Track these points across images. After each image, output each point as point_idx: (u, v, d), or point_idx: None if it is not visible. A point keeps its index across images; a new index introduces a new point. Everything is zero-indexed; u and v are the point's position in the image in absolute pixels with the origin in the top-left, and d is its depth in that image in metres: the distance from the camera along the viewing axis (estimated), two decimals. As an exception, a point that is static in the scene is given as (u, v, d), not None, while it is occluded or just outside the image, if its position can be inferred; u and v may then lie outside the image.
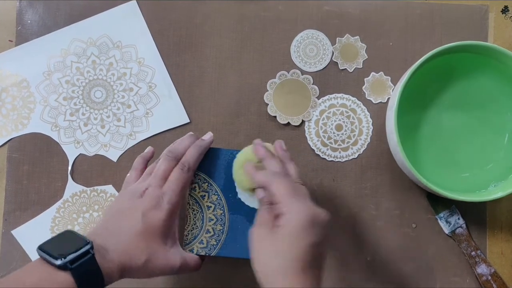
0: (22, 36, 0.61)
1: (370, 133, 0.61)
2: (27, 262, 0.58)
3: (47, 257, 0.41)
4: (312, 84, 0.61)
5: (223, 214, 0.51)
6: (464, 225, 0.59)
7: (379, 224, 0.60)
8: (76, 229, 0.60)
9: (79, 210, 0.60)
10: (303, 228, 0.42)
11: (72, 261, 0.40)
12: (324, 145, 0.61)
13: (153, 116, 0.61)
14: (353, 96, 0.61)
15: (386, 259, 0.60)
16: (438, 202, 0.60)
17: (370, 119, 0.61)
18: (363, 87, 0.61)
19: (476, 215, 0.60)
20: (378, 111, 0.61)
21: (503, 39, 0.62)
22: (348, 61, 0.62)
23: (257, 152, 0.50)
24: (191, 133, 0.54)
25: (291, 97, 0.61)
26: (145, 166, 0.53)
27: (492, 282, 0.58)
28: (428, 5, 0.62)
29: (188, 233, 0.51)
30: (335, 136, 0.61)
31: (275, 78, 0.61)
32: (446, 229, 0.60)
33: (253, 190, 0.50)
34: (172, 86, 0.61)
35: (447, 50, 0.54)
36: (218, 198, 0.51)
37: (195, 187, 0.52)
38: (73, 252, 0.40)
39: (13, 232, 0.59)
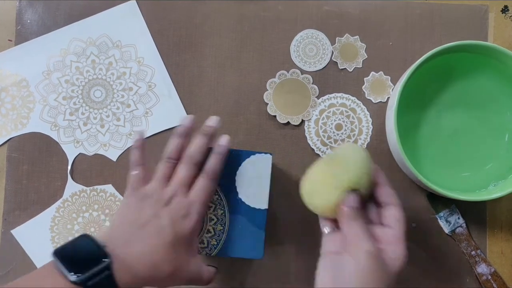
0: (22, 35, 0.61)
1: (370, 133, 0.61)
2: (26, 262, 0.59)
3: (63, 269, 0.38)
4: (312, 83, 0.61)
5: (223, 214, 0.51)
6: (464, 225, 0.59)
7: (379, 224, 0.60)
8: (76, 228, 0.60)
9: (78, 210, 0.60)
10: (373, 271, 0.42)
11: (89, 278, 0.38)
12: (324, 144, 0.61)
13: (152, 115, 0.61)
14: (352, 96, 0.61)
15: (386, 258, 0.60)
16: (438, 202, 0.60)
17: (369, 119, 0.61)
18: (363, 86, 0.61)
19: (476, 214, 0.60)
20: (378, 111, 0.61)
21: (503, 39, 0.62)
22: (348, 61, 0.62)
23: (379, 177, 0.47)
24: (191, 117, 0.50)
25: (290, 97, 0.61)
26: (145, 158, 0.49)
27: (492, 282, 0.58)
28: (428, 5, 0.62)
29: None
30: (335, 135, 0.61)
31: (274, 77, 0.61)
32: (446, 229, 0.59)
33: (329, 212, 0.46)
34: (172, 86, 0.61)
35: (447, 50, 0.54)
36: (219, 198, 0.51)
37: None
38: (90, 267, 0.38)
39: (13, 231, 0.59)
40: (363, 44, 0.62)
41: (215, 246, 0.50)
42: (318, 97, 0.61)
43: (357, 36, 0.62)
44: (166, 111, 0.61)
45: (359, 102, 0.61)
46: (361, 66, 0.62)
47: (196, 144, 0.48)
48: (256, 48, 0.62)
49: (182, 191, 0.46)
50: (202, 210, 0.47)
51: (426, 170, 0.57)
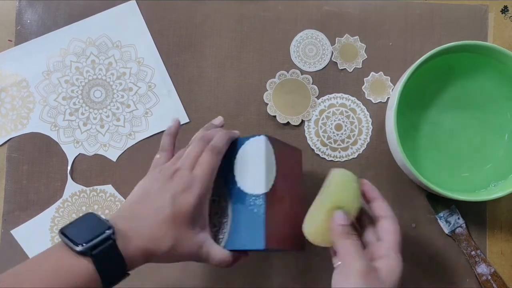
0: (22, 35, 0.61)
1: (370, 133, 0.61)
2: (26, 262, 0.59)
3: (68, 241, 0.39)
4: (312, 84, 0.61)
5: (226, 206, 0.48)
6: (464, 225, 0.59)
7: (378, 224, 0.60)
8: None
9: (78, 210, 0.60)
10: (399, 282, 0.42)
11: (93, 247, 0.39)
12: (324, 144, 0.61)
13: (152, 115, 0.61)
14: (352, 96, 0.61)
15: (385, 259, 0.60)
16: (438, 202, 0.60)
17: (369, 119, 0.61)
18: (363, 87, 0.61)
19: (476, 214, 0.60)
20: (377, 111, 0.61)
21: (502, 39, 0.62)
22: (348, 61, 0.62)
23: (369, 192, 0.48)
24: (221, 118, 0.54)
25: (290, 97, 0.61)
26: (174, 145, 0.50)
27: (492, 282, 0.58)
28: (428, 5, 0.62)
29: None
30: (334, 136, 0.61)
31: (274, 77, 0.61)
32: (446, 229, 0.59)
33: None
34: (172, 86, 0.61)
35: (447, 50, 0.54)
36: (221, 191, 0.49)
37: None
38: (94, 238, 0.39)
39: (13, 232, 0.59)
40: (363, 44, 0.62)
41: (220, 240, 0.48)
42: (318, 98, 0.61)
43: (357, 37, 0.62)
44: (166, 111, 0.61)
45: (359, 102, 0.61)
46: (361, 66, 0.62)
47: (213, 129, 0.51)
48: (256, 48, 0.62)
49: (188, 165, 0.46)
50: (206, 184, 0.45)
51: (426, 170, 0.57)
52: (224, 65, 0.61)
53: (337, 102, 0.61)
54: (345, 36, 0.62)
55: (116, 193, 0.60)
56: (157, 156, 0.49)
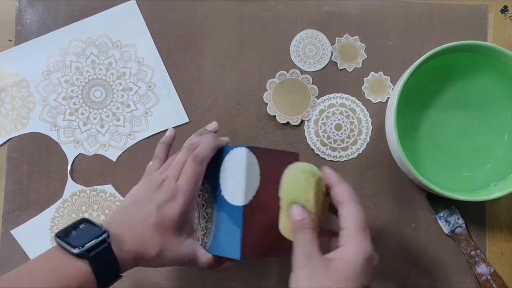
0: (22, 35, 0.61)
1: (370, 133, 0.61)
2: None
3: (65, 245, 0.41)
4: (312, 83, 0.61)
5: (211, 212, 0.50)
6: (463, 225, 0.59)
7: (378, 224, 0.60)
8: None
9: (78, 210, 0.60)
10: (362, 268, 0.40)
11: (89, 250, 0.41)
12: (324, 144, 0.61)
13: (152, 115, 0.61)
14: (352, 96, 0.61)
15: (385, 259, 0.60)
16: (437, 202, 0.60)
17: (369, 119, 0.61)
18: (363, 86, 0.61)
19: (476, 214, 0.60)
20: (377, 111, 0.61)
21: (502, 39, 0.62)
22: (348, 61, 0.62)
23: (328, 179, 0.46)
24: (215, 124, 0.55)
25: (290, 97, 0.61)
26: (168, 153, 0.52)
27: (491, 282, 0.58)
28: (428, 5, 0.62)
29: None
30: (334, 135, 0.61)
31: (274, 77, 0.61)
32: (446, 229, 0.59)
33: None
34: (172, 86, 0.61)
35: (447, 50, 0.54)
36: (209, 196, 0.50)
37: None
38: (90, 241, 0.41)
39: (12, 232, 0.59)
40: (363, 44, 0.62)
41: (206, 244, 0.50)
42: (317, 97, 0.61)
43: (357, 36, 0.62)
44: (166, 111, 0.61)
45: (358, 102, 0.61)
46: (360, 66, 0.62)
47: (202, 136, 0.51)
48: (256, 48, 0.62)
49: (174, 175, 0.48)
50: (190, 193, 0.47)
51: (426, 170, 0.57)
52: (224, 65, 0.61)
53: (337, 102, 0.61)
54: (345, 36, 0.62)
55: (116, 193, 0.60)
56: (150, 163, 0.52)
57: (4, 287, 0.38)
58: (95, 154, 0.60)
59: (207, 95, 0.61)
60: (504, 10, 0.62)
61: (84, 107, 0.61)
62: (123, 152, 0.60)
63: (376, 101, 0.61)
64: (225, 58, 0.62)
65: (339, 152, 0.61)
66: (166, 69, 0.61)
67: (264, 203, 0.47)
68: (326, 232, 0.47)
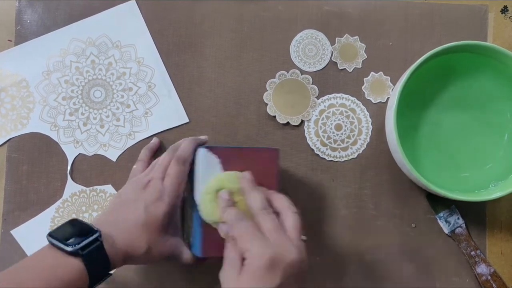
0: (21, 35, 0.61)
1: (370, 133, 0.61)
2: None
3: (58, 243, 0.43)
4: (312, 84, 0.61)
5: (192, 213, 0.51)
6: (463, 225, 0.59)
7: (378, 224, 0.60)
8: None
9: (78, 210, 0.60)
10: (266, 269, 0.40)
11: (83, 248, 0.42)
12: (324, 144, 0.61)
13: (152, 115, 0.61)
14: (352, 96, 0.61)
15: (385, 258, 0.60)
16: (437, 202, 0.60)
17: (369, 119, 0.61)
18: (363, 87, 0.61)
19: (476, 215, 0.60)
20: (377, 111, 0.61)
21: (502, 39, 0.62)
22: (348, 61, 0.62)
23: (242, 185, 0.48)
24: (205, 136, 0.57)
25: (290, 97, 0.61)
26: (151, 158, 0.55)
27: (491, 282, 0.58)
28: (428, 5, 0.62)
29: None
30: (334, 136, 0.61)
31: (274, 78, 0.61)
32: (446, 229, 0.59)
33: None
34: (172, 86, 0.61)
35: (447, 50, 0.54)
36: (189, 196, 0.51)
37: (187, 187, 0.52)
38: (83, 240, 0.43)
39: (12, 232, 0.59)
40: (363, 44, 0.62)
41: (190, 243, 0.51)
42: (317, 98, 0.61)
43: (357, 36, 0.62)
44: (166, 111, 0.61)
45: (358, 102, 0.61)
46: (360, 67, 0.62)
47: (184, 139, 0.54)
48: (256, 48, 0.62)
49: (159, 176, 0.50)
50: (175, 194, 0.49)
51: (426, 170, 0.57)
52: (224, 65, 0.61)
53: (337, 102, 0.61)
54: (345, 36, 0.62)
55: (116, 193, 0.60)
56: (134, 166, 0.55)
57: None
58: (95, 154, 0.60)
59: (207, 95, 0.61)
60: (504, 10, 0.62)
61: (84, 107, 0.61)
62: (123, 152, 0.60)
63: (376, 101, 0.61)
64: (225, 58, 0.62)
65: (339, 152, 0.61)
66: (166, 69, 0.61)
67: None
68: None
